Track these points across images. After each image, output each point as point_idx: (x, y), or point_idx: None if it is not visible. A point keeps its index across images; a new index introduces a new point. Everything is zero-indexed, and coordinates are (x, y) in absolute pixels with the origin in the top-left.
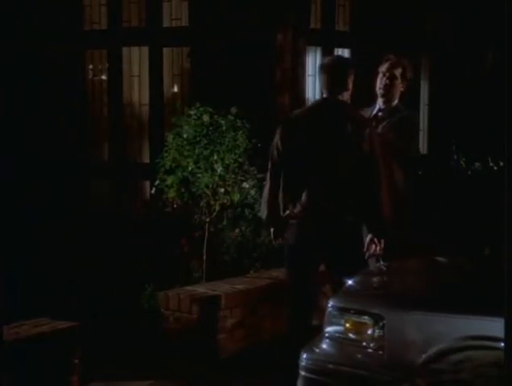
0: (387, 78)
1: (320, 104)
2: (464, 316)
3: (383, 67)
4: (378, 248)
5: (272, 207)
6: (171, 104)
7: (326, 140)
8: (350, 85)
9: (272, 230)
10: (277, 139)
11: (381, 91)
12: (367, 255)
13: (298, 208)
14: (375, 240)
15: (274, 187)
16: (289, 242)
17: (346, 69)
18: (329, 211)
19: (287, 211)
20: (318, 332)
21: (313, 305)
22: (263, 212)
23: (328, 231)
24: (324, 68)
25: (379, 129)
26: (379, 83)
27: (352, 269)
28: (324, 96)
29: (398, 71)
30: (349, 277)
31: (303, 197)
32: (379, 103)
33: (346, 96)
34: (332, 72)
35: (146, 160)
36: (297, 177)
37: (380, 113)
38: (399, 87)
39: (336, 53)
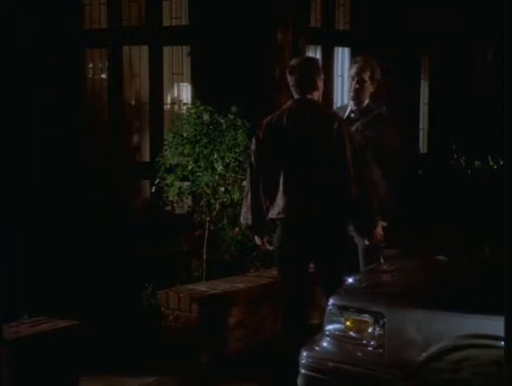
0: (356, 82)
1: (292, 106)
2: (465, 315)
3: (352, 71)
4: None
5: (256, 213)
6: (171, 103)
7: (303, 140)
8: (320, 85)
9: (256, 237)
10: (254, 145)
11: (352, 94)
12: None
13: (279, 210)
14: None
15: (255, 193)
16: (275, 243)
17: (314, 69)
18: (311, 210)
19: (270, 215)
20: (318, 330)
21: (306, 305)
22: (247, 219)
23: (311, 229)
24: (293, 70)
25: (355, 129)
26: (349, 86)
27: (337, 268)
28: (296, 97)
29: (366, 75)
30: (336, 277)
31: (284, 198)
32: (351, 104)
33: (316, 95)
34: (301, 73)
35: (147, 159)
36: (276, 180)
37: (352, 114)
38: (369, 88)
39: (336, 52)
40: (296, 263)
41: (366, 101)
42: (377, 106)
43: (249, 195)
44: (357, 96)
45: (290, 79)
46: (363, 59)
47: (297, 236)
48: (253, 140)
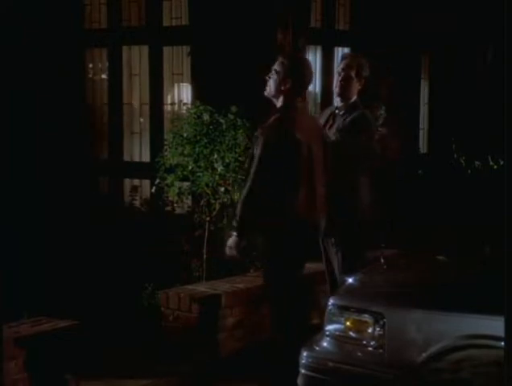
0: (342, 78)
1: (301, 110)
2: (464, 315)
3: (338, 68)
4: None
5: (248, 213)
6: (171, 103)
7: (313, 147)
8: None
9: (236, 233)
10: (261, 150)
11: (337, 90)
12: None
13: (290, 211)
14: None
15: (250, 197)
16: (277, 247)
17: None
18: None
19: (275, 215)
20: (318, 330)
21: (300, 306)
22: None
23: (310, 234)
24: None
25: (337, 126)
26: (335, 82)
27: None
28: (292, 100)
29: (353, 72)
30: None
31: (297, 200)
32: (336, 101)
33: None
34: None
35: (147, 159)
36: (288, 183)
37: (337, 111)
38: (356, 85)
39: (336, 52)
40: (302, 264)
41: (354, 98)
42: (365, 105)
43: (244, 197)
44: (343, 92)
45: (288, 81)
46: (350, 56)
47: (307, 237)
48: (261, 143)
